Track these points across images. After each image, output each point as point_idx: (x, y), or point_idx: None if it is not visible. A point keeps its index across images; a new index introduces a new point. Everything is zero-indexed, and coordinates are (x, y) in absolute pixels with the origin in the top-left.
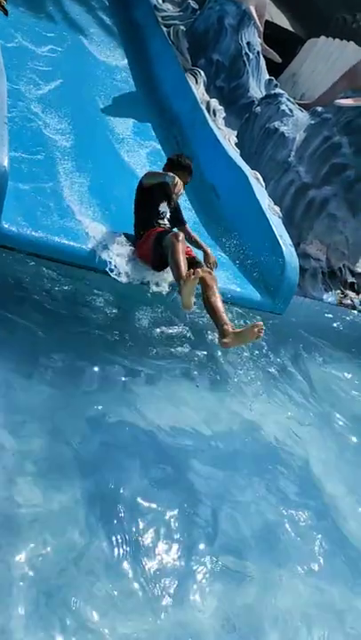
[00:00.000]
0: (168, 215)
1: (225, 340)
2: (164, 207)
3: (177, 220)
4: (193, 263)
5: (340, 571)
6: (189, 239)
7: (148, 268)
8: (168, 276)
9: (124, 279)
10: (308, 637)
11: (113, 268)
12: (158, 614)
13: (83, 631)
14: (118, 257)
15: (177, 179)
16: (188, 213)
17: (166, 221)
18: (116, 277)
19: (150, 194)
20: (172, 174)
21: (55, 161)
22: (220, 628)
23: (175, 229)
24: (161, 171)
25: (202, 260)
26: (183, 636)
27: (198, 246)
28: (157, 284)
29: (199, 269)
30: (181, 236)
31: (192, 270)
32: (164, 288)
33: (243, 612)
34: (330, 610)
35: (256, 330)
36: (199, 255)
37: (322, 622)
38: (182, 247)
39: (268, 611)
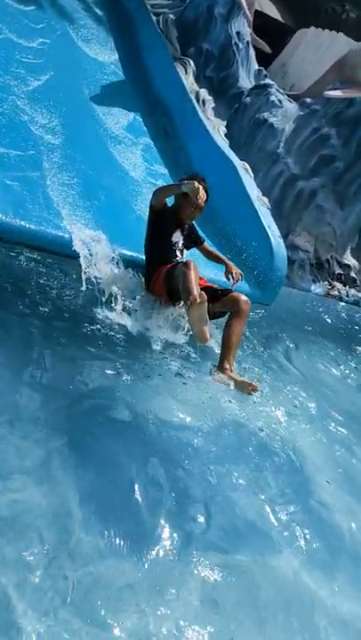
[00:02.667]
0: (181, 244)
1: (216, 376)
2: (177, 236)
3: (194, 240)
4: (214, 292)
5: (322, 559)
6: (209, 255)
7: (153, 315)
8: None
9: (119, 335)
10: (287, 619)
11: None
12: (149, 599)
13: (76, 615)
14: (119, 294)
15: (196, 183)
16: None
17: (179, 253)
18: (111, 333)
19: (162, 220)
20: (188, 181)
21: (42, 151)
22: (205, 608)
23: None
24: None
25: (229, 288)
26: (172, 617)
27: (220, 261)
28: (159, 343)
29: (202, 296)
30: (193, 264)
31: (200, 292)
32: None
33: (228, 594)
34: (309, 594)
35: (250, 388)
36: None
37: (300, 605)
38: (194, 275)
39: (251, 593)
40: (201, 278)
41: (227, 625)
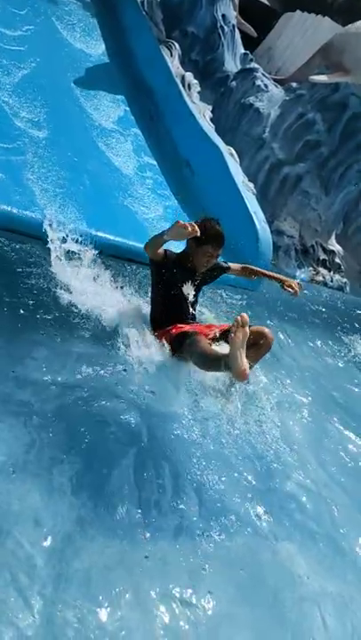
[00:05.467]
0: (192, 296)
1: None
2: (187, 289)
3: (217, 276)
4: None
5: (302, 542)
6: (246, 274)
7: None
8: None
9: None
10: (264, 590)
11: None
12: (142, 580)
13: (75, 594)
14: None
15: (179, 222)
16: (165, 193)
17: (190, 307)
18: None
19: (167, 272)
20: (169, 227)
21: (26, 136)
22: (196, 590)
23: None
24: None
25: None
26: (164, 598)
27: (266, 276)
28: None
29: (244, 318)
30: (202, 338)
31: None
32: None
33: (217, 577)
34: (286, 570)
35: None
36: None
37: (276, 579)
38: (207, 345)
39: (239, 576)
40: (210, 326)
41: (217, 607)
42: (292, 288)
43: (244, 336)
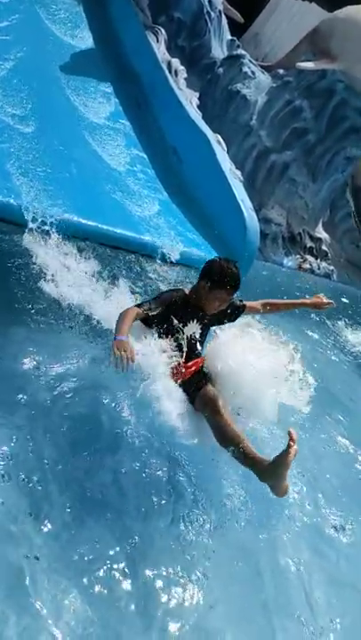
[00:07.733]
0: (198, 335)
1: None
2: (191, 328)
3: (236, 315)
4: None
5: (291, 529)
6: (267, 311)
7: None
8: None
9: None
10: (254, 576)
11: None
12: (141, 568)
13: (79, 582)
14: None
15: (119, 357)
16: (155, 186)
17: (198, 346)
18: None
19: (163, 314)
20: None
21: (13, 125)
22: (192, 577)
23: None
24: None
25: None
26: (162, 585)
27: (293, 306)
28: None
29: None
30: (215, 394)
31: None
32: None
33: (210, 567)
34: (276, 555)
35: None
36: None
37: (266, 564)
38: (225, 411)
39: (225, 551)
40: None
41: (210, 591)
42: (321, 303)
43: (295, 454)
